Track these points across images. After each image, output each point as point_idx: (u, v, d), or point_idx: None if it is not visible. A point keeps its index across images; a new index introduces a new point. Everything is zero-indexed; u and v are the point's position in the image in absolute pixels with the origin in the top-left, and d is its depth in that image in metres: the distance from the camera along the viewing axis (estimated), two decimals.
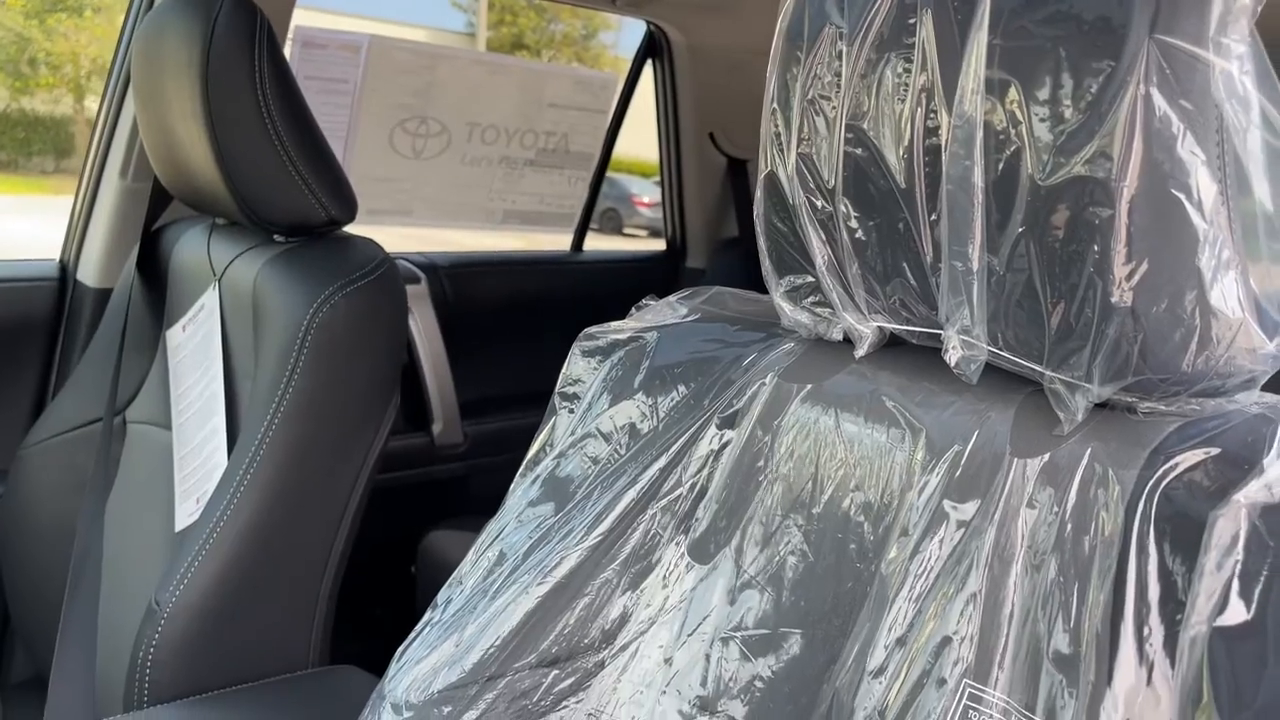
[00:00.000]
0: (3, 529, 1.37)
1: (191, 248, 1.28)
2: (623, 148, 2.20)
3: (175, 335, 1.28)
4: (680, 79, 2.13)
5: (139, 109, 1.20)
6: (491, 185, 1.89)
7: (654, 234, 2.34)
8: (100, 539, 1.18)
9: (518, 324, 1.95)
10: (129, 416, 1.33)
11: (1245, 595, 0.45)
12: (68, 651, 1.10)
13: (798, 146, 0.63)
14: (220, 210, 1.19)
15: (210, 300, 1.21)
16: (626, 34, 2.19)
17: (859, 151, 0.59)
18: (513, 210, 1.94)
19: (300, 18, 1.50)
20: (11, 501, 1.36)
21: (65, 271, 1.51)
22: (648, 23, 2.06)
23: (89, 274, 1.48)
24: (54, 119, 9.41)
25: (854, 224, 0.61)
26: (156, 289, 1.35)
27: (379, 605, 1.65)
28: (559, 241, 2.16)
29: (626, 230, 9.44)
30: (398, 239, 1.61)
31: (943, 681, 0.54)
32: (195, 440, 1.18)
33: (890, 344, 0.66)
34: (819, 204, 0.63)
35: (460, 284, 1.88)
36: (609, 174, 2.27)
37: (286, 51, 1.31)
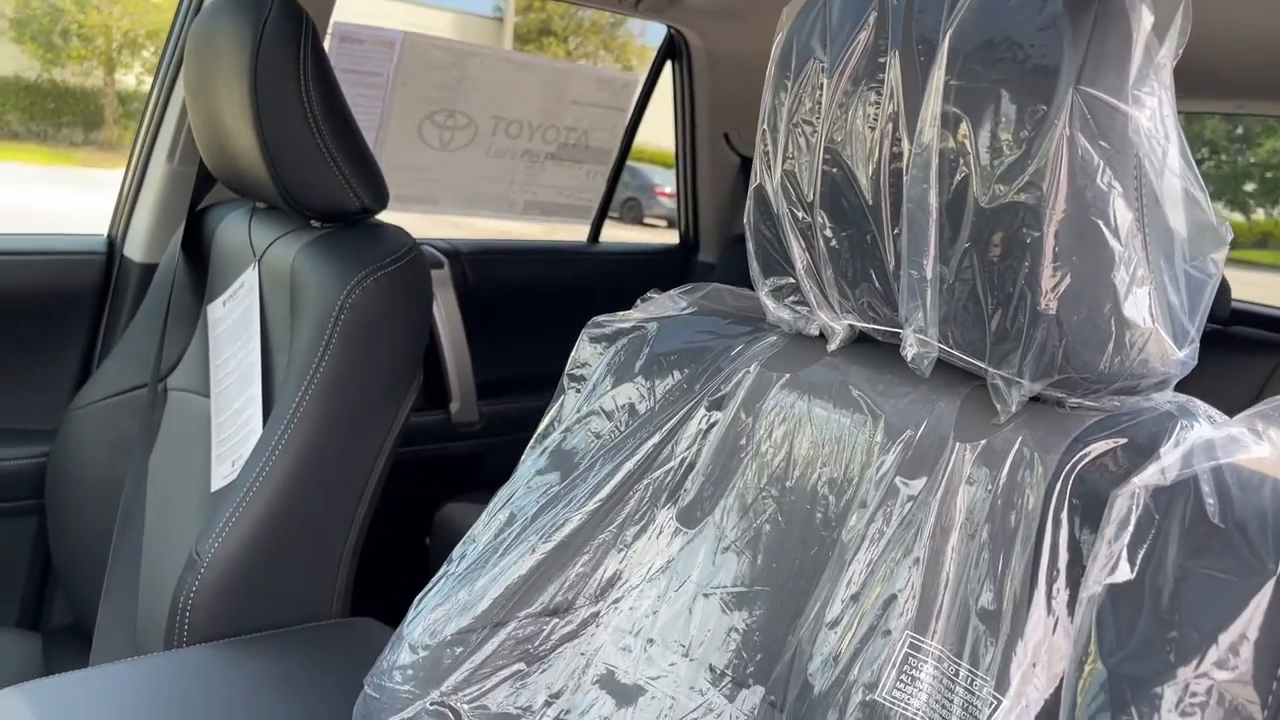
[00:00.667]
0: (50, 485, 1.47)
1: (233, 229, 1.37)
2: (648, 139, 2.28)
3: (216, 310, 1.37)
4: (697, 81, 2.21)
5: (189, 99, 1.29)
6: (514, 177, 1.98)
7: (674, 225, 2.42)
8: (143, 496, 1.28)
9: (534, 310, 2.04)
10: (170, 384, 1.42)
11: (1131, 559, 0.53)
12: (113, 596, 1.20)
13: (783, 163, 0.71)
14: (262, 195, 1.29)
15: (250, 279, 1.30)
16: (654, 25, 2.26)
17: (835, 171, 0.68)
18: (533, 201, 2.03)
19: (340, 6, 1.58)
20: (58, 460, 1.46)
21: (113, 247, 1.61)
22: (668, 27, 2.14)
23: (135, 250, 1.58)
24: (84, 91, 9.53)
25: (829, 234, 0.70)
26: (199, 266, 1.44)
27: (396, 571, 1.74)
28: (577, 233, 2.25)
29: (647, 220, 9.50)
30: (426, 225, 1.70)
31: (888, 632, 0.63)
32: (232, 408, 1.28)
33: (859, 340, 0.75)
34: (799, 215, 0.71)
35: (481, 270, 1.97)
36: (632, 164, 2.36)
37: (325, 45, 1.40)
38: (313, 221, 1.26)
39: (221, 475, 1.24)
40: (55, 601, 1.56)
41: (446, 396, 1.88)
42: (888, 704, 0.60)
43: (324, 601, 1.15)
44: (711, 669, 0.74)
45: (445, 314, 1.83)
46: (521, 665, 0.80)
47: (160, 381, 1.42)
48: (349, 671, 0.87)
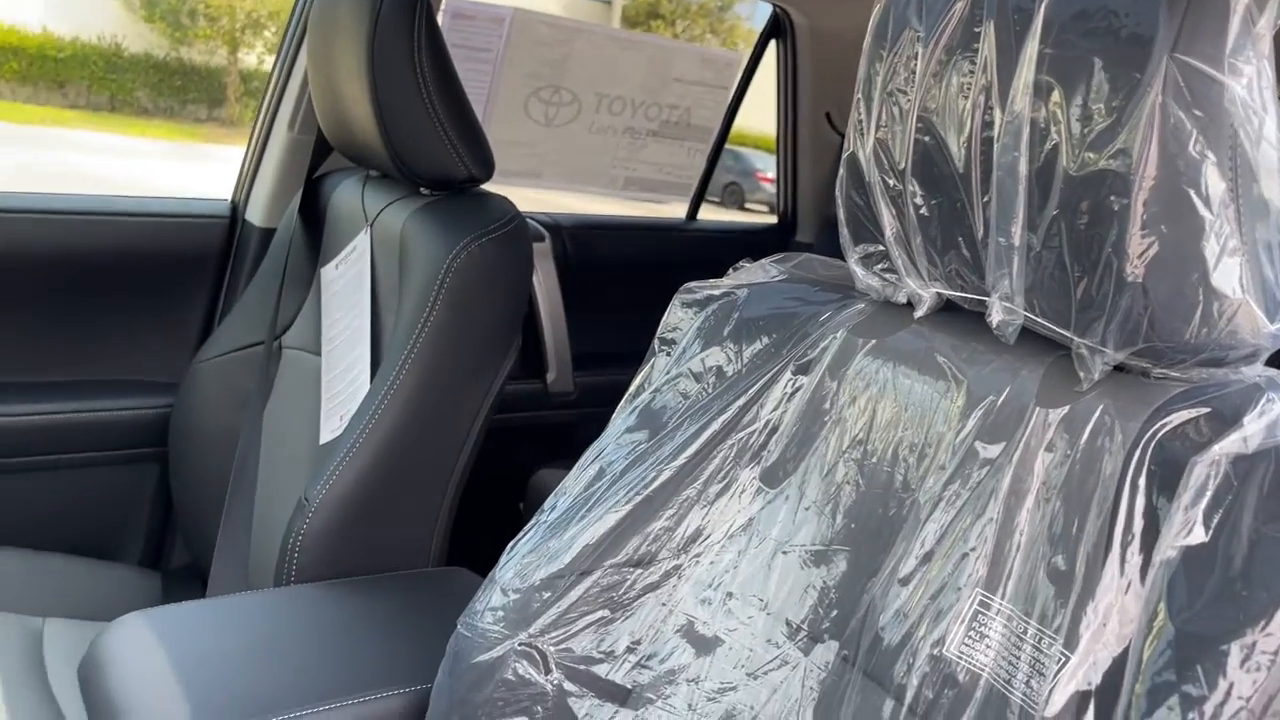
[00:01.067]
0: (172, 434, 1.57)
1: (347, 196, 1.44)
2: (751, 123, 2.28)
3: (329, 273, 1.44)
4: (800, 60, 2.21)
5: (311, 70, 1.36)
6: (615, 153, 2.02)
7: (775, 210, 2.43)
8: (258, 447, 1.36)
9: (631, 285, 2.07)
10: (285, 342, 1.50)
11: (1206, 523, 0.54)
12: (228, 538, 1.28)
13: (876, 132, 0.73)
14: (375, 164, 1.35)
15: (362, 243, 1.37)
16: (763, 8, 2.26)
17: (926, 139, 0.69)
18: (634, 178, 2.07)
19: None
20: (181, 411, 1.56)
21: (235, 211, 1.70)
22: (774, 5, 2.15)
23: (256, 214, 1.67)
24: (208, 69, 9.92)
25: (919, 201, 0.71)
26: (314, 231, 1.51)
27: (490, 531, 1.80)
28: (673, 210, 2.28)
29: (748, 205, 9.46)
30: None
31: (959, 589, 0.64)
32: (341, 366, 1.35)
33: (945, 308, 0.76)
34: (891, 182, 0.73)
35: (581, 244, 2.02)
36: (734, 148, 2.36)
37: (439, 21, 1.45)
38: (422, 189, 1.32)
39: (330, 429, 1.30)
40: (175, 543, 1.67)
41: (544, 366, 1.93)
42: (955, 658, 0.62)
43: (422, 551, 1.21)
44: (788, 623, 0.76)
45: (545, 286, 1.88)
46: (605, 612, 0.84)
47: (275, 340, 1.49)
48: (443, 615, 0.92)
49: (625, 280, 2.11)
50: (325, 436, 1.31)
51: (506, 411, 1.83)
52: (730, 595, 0.80)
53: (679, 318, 0.92)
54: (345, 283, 1.40)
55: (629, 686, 0.82)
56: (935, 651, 0.63)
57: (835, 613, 0.74)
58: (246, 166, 1.71)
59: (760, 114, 2.39)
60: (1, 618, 1.35)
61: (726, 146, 2.30)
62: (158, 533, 1.66)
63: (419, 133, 1.23)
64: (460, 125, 1.25)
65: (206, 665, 0.94)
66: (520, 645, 0.84)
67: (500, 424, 1.64)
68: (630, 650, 0.83)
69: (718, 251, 2.31)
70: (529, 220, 1.88)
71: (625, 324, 2.03)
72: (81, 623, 1.38)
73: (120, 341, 1.66)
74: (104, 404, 1.63)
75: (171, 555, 1.66)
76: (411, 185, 1.32)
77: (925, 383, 0.73)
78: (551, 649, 0.83)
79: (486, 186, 1.35)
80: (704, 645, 0.80)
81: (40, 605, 1.41)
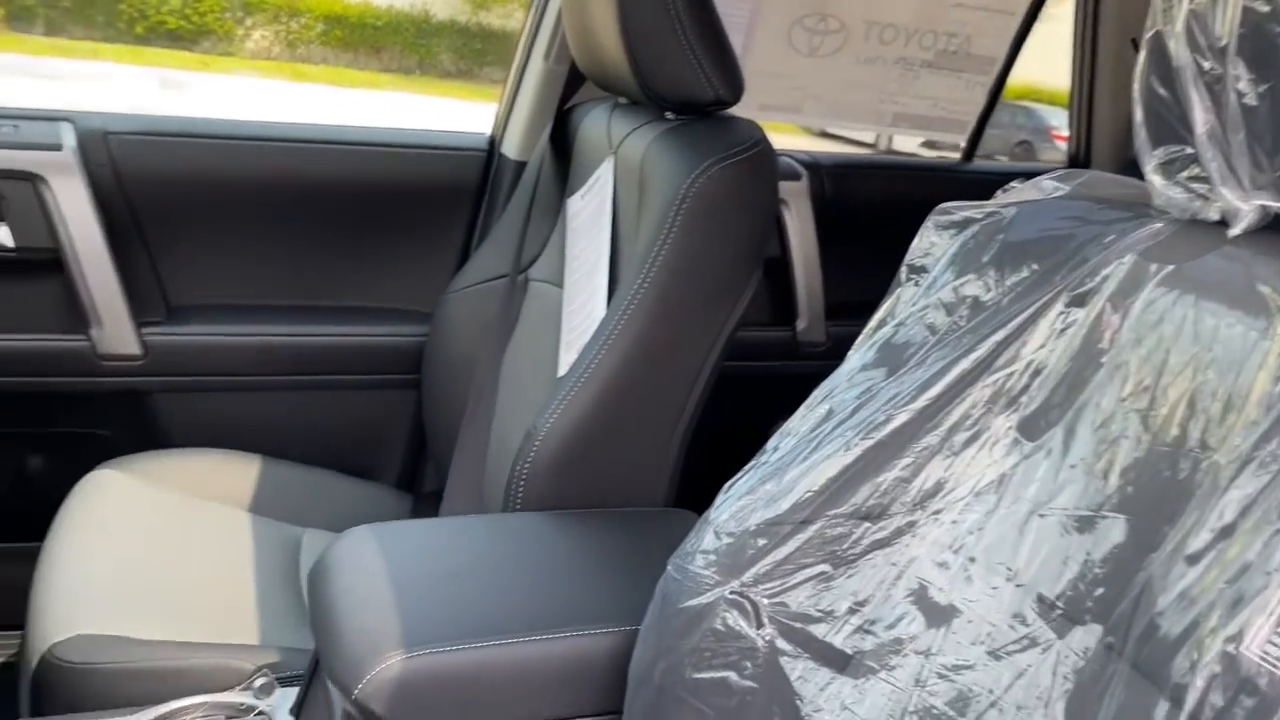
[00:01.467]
0: (425, 363, 1.62)
1: (595, 125, 1.40)
2: (1045, 78, 2.06)
3: (574, 203, 1.42)
4: None
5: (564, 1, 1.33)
6: (884, 86, 1.87)
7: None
8: (496, 376, 1.36)
9: (896, 230, 1.93)
10: (531, 275, 1.49)
11: None
12: (461, 464, 1.29)
13: (1189, 2, 0.58)
14: (622, 89, 1.30)
15: (605, 172, 1.33)
16: None
17: (1259, 6, 0.54)
18: (903, 113, 1.91)
19: None
20: (434, 340, 1.60)
21: (493, 145, 1.72)
22: None
23: (511, 148, 1.67)
24: (505, 32, 10.40)
25: (1244, 87, 0.56)
26: (563, 162, 1.49)
27: (725, 481, 1.74)
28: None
29: None
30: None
31: (1267, 574, 0.50)
32: (580, 298, 1.32)
33: (1270, 225, 0.60)
34: (1206, 65, 0.58)
35: (841, 185, 1.89)
36: (1027, 104, 2.15)
37: None
38: (667, 114, 1.26)
39: (566, 362, 1.28)
40: (426, 469, 1.72)
41: (794, 313, 1.83)
42: (1257, 659, 0.48)
43: (648, 491, 1.16)
44: (1041, 599, 0.65)
45: (799, 227, 1.78)
46: (826, 567, 0.75)
47: (522, 272, 1.49)
48: (662, 555, 0.86)
49: (890, 225, 1.96)
50: (562, 369, 1.29)
51: (752, 359, 1.76)
52: (972, 560, 0.69)
53: (931, 242, 0.81)
54: (588, 213, 1.36)
55: (849, 652, 0.73)
56: (1230, 649, 0.50)
57: (1100, 591, 0.61)
58: (505, 101, 1.72)
59: (1056, 67, 2.15)
60: (267, 524, 1.44)
61: (1018, 103, 2.09)
62: (413, 457, 1.73)
63: (665, 52, 1.17)
64: (709, 44, 1.17)
65: (423, 582, 0.94)
66: (731, 594, 0.77)
67: (746, 372, 1.56)
68: (852, 612, 0.74)
69: None
70: (785, 158, 1.79)
71: (886, 273, 1.89)
72: (335, 535, 1.45)
73: (384, 270, 1.72)
74: (368, 330, 1.70)
75: (424, 480, 1.72)
76: (657, 110, 1.26)
77: (1237, 317, 0.58)
78: (765, 601, 0.76)
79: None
80: (938, 615, 0.70)
81: (302, 516, 1.49)
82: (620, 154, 1.30)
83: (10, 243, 1.51)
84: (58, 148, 1.48)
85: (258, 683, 1.03)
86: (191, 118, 1.63)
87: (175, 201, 1.60)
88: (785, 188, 1.75)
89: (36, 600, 1.20)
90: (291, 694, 1.03)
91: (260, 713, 1.01)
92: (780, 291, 1.82)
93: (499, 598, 0.93)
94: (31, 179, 1.48)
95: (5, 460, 1.71)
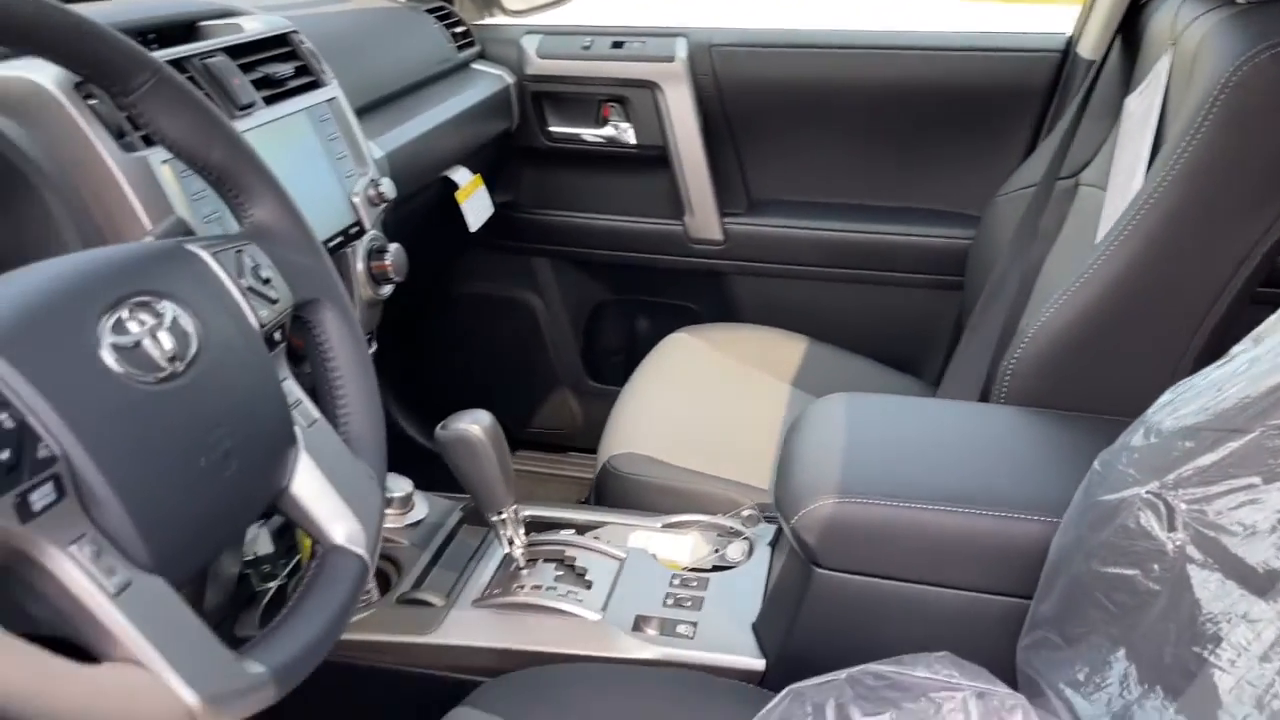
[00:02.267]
0: (968, 266, 1.64)
1: (1163, 16, 1.29)
2: None
3: (1131, 102, 1.33)
4: None
5: None
6: None
7: None
8: (1020, 275, 1.35)
9: None
10: (1082, 179, 1.44)
11: None
12: (965, 352, 1.32)
13: None
14: None
15: (1161, 66, 1.22)
16: None
17: None
18: None
19: None
20: (977, 244, 1.61)
21: (1069, 45, 1.65)
22: None
23: (1086, 48, 1.59)
24: None
25: None
26: (1129, 59, 1.40)
27: None
28: None
29: None
30: None
31: None
32: (1117, 202, 1.25)
33: None
34: None
35: None
36: None
37: None
38: None
39: None
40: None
41: None
42: None
43: (1145, 403, 1.09)
44: None
45: None
46: (1257, 480, 0.69)
47: (1073, 176, 1.44)
48: None
49: None
50: None
51: None
52: None
53: None
54: (1140, 113, 1.28)
55: (1262, 572, 0.67)
56: None
57: None
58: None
59: None
60: (800, 395, 1.60)
61: None
62: (950, 356, 1.77)
63: None
64: None
65: (872, 444, 1.02)
66: (1148, 493, 0.75)
67: None
68: (1275, 530, 0.67)
69: None
70: None
71: None
72: None
73: (942, 172, 1.77)
74: (919, 230, 1.77)
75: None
76: None
77: None
78: (1183, 505, 0.72)
79: None
80: None
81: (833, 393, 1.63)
82: (1180, 45, 1.19)
83: (633, 140, 1.84)
84: (671, 59, 1.76)
85: (744, 513, 1.20)
86: (782, 29, 1.82)
87: (762, 106, 1.81)
88: None
89: (610, 424, 1.50)
90: (771, 529, 1.19)
91: (745, 538, 1.18)
92: None
93: (935, 469, 0.98)
94: (651, 86, 1.78)
95: (623, 320, 2.12)
